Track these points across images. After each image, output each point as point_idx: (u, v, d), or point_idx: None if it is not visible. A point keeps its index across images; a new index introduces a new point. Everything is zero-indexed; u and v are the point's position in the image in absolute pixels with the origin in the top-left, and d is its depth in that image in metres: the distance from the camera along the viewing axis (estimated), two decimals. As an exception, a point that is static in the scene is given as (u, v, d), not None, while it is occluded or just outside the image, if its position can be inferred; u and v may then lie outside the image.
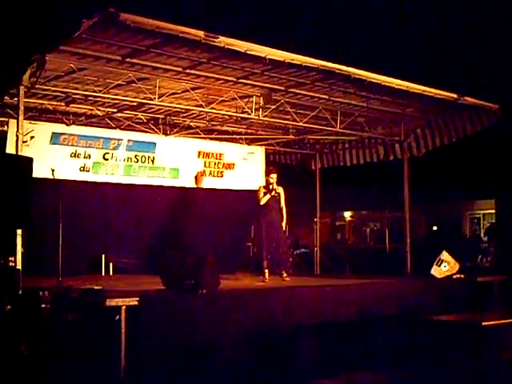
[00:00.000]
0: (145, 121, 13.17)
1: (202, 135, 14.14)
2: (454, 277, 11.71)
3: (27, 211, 7.28)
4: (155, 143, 13.51)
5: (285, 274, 11.50)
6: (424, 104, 12.13)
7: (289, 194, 11.91)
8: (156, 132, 13.43)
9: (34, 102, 11.31)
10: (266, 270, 11.48)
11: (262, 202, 11.63)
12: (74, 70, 9.79)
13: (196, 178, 13.22)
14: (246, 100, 11.60)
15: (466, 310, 10.20)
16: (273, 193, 11.58)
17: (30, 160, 7.74)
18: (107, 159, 12.89)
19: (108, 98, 11.07)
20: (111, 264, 13.30)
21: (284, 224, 11.68)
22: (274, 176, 11.72)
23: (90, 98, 11.36)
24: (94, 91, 10.66)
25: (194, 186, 13.37)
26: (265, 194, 11.63)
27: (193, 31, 8.40)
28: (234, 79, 10.63)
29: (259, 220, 11.82)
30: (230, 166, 14.57)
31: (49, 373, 6.86)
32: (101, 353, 7.28)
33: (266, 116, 11.98)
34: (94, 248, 12.99)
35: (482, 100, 12.01)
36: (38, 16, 8.75)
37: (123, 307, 7.46)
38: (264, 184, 12.07)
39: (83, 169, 12.57)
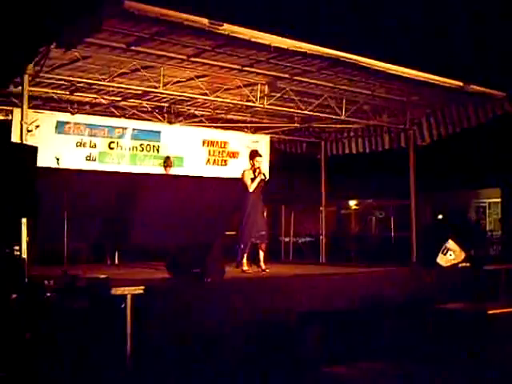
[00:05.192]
0: (149, 109, 13.15)
1: (207, 124, 14.12)
2: (460, 265, 11.69)
3: (34, 200, 7.28)
4: (160, 132, 13.51)
5: (264, 266, 10.91)
6: (429, 92, 12.07)
7: (294, 182, 11.79)
8: (160, 120, 13.42)
9: (38, 90, 11.26)
10: (245, 261, 10.86)
11: (251, 189, 10.89)
12: (78, 58, 9.76)
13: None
14: (251, 88, 11.56)
15: (472, 298, 10.19)
16: (261, 176, 10.95)
17: (34, 149, 7.73)
18: (113, 148, 12.91)
19: (112, 86, 11.03)
20: (116, 253, 13.29)
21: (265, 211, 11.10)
22: (259, 159, 11.17)
23: (95, 87, 11.33)
24: (99, 79, 10.63)
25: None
26: (252, 179, 10.93)
27: (197, 19, 8.34)
28: (239, 67, 10.58)
29: (244, 209, 10.91)
30: (234, 155, 14.56)
31: (54, 361, 6.87)
32: (106, 341, 7.29)
33: (270, 104, 11.94)
34: (99, 237, 13.02)
35: (489, 88, 11.95)
36: (48, 5, 8.70)
37: (129, 296, 7.47)
38: (249, 168, 11.15)
39: (89, 158, 12.59)
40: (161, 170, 13.46)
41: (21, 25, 8.90)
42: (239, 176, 11.22)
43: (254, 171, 11.01)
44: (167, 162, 13.40)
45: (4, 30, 8.95)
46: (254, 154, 11.28)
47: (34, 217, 8.08)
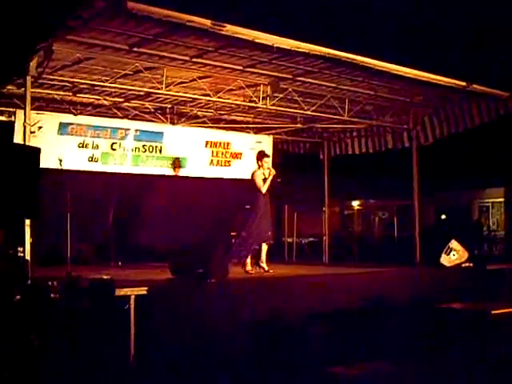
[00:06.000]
0: (152, 110, 13.16)
1: (210, 124, 14.12)
2: (463, 265, 11.68)
3: (36, 201, 7.28)
4: (162, 133, 13.50)
5: (266, 267, 10.85)
6: (433, 92, 12.06)
7: (297, 183, 11.75)
8: (163, 121, 13.42)
9: (41, 91, 11.28)
10: (249, 261, 10.83)
11: (264, 190, 10.81)
12: (80, 59, 9.78)
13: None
14: (254, 89, 11.56)
15: (476, 298, 10.18)
16: (271, 177, 10.83)
17: (37, 150, 7.73)
18: (115, 149, 12.89)
19: (115, 87, 11.05)
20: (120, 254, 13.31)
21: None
22: (268, 160, 11.11)
23: (97, 88, 11.35)
24: (101, 81, 10.66)
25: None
26: (264, 180, 10.85)
27: (200, 20, 8.34)
28: (242, 68, 10.59)
29: (256, 209, 10.82)
30: (237, 156, 14.55)
31: (59, 362, 6.87)
32: (110, 342, 7.30)
33: (273, 105, 11.95)
34: (103, 238, 13.04)
35: (492, 88, 11.93)
36: (43, 4, 8.69)
37: (132, 296, 7.47)
38: (257, 168, 11.05)
39: (92, 159, 12.59)
40: (168, 171, 13.46)
41: (15, 22, 8.89)
42: (249, 177, 11.15)
43: (264, 172, 10.92)
44: (175, 163, 13.41)
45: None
46: (261, 155, 11.19)
47: (35, 218, 8.07)
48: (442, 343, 8.78)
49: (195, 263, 8.72)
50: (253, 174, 11.01)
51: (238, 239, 10.93)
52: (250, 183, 11.04)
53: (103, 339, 7.25)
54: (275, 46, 9.24)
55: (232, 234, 14.07)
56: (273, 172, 10.98)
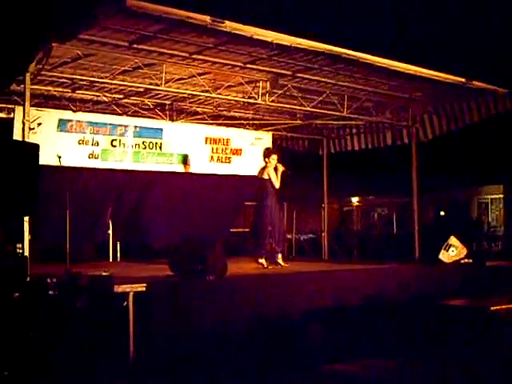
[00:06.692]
0: (151, 107, 13.15)
1: (209, 121, 14.11)
2: (462, 262, 11.68)
3: (35, 198, 7.27)
4: (162, 129, 13.49)
5: (281, 261, 11.04)
6: (432, 88, 12.05)
7: (296, 179, 11.73)
8: (162, 118, 13.41)
9: (40, 88, 11.26)
10: (264, 258, 10.92)
11: (278, 185, 10.93)
12: (80, 56, 9.77)
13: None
14: (253, 85, 11.55)
15: (475, 294, 10.18)
16: (280, 172, 10.94)
17: (36, 146, 7.72)
18: (115, 146, 12.88)
19: (114, 84, 11.05)
20: (118, 250, 13.32)
21: None
22: (275, 157, 11.08)
23: (97, 84, 11.34)
24: (101, 77, 10.66)
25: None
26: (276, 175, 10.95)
27: (199, 16, 8.35)
28: (241, 64, 10.59)
29: (264, 204, 10.92)
30: (237, 152, 14.54)
31: (57, 360, 6.88)
32: (109, 339, 7.30)
33: (272, 101, 11.93)
34: (102, 234, 13.03)
35: (491, 85, 11.93)
36: (46, 3, 8.69)
37: (131, 293, 7.46)
38: (263, 165, 11.10)
39: (92, 156, 12.57)
40: (169, 168, 13.45)
41: (19, 21, 8.89)
42: (248, 173, 11.20)
43: (275, 168, 10.96)
44: (185, 160, 13.46)
45: (3, 29, 8.94)
46: (269, 152, 11.27)
47: (32, 215, 8.07)
48: (441, 340, 8.79)
49: (194, 260, 8.71)
50: (263, 171, 11.05)
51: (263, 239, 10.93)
52: (259, 180, 11.10)
53: (102, 336, 7.25)
54: (275, 42, 9.24)
55: (231, 230, 14.14)
56: (281, 168, 11.02)
